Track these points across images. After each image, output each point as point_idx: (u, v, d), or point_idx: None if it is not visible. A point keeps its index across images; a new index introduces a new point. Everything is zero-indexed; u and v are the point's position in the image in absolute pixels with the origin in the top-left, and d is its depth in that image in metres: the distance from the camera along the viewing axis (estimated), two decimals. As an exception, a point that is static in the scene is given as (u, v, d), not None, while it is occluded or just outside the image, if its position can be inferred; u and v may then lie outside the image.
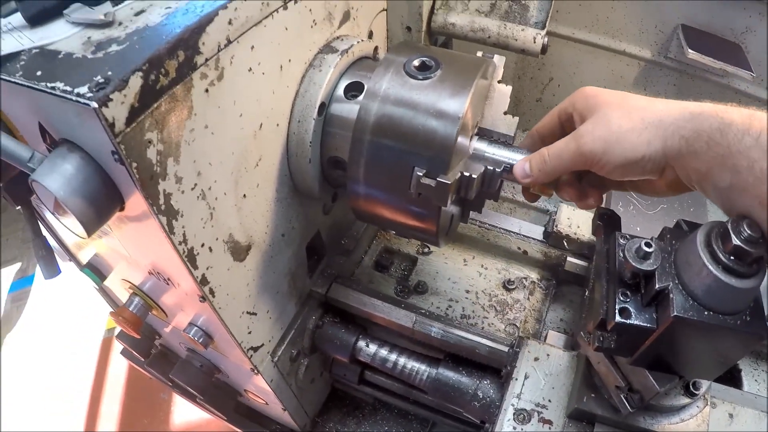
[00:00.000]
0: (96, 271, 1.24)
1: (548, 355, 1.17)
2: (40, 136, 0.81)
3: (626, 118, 0.81)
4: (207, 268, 0.94)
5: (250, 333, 1.15)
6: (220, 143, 0.89)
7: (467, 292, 1.46)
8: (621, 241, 0.87)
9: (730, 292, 0.74)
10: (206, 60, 0.80)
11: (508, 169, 0.97)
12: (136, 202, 0.80)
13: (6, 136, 0.81)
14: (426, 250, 1.56)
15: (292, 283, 1.26)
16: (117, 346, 2.39)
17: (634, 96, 0.85)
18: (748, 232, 0.71)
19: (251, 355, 1.18)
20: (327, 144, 1.06)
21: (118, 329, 1.44)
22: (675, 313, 0.76)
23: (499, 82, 1.08)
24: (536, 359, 1.16)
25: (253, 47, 0.88)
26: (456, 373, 1.31)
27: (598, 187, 0.98)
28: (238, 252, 1.03)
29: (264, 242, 1.10)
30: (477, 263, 1.54)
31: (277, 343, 1.29)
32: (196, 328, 1.13)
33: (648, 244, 0.81)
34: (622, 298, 0.84)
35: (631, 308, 0.82)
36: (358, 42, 1.09)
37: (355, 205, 1.05)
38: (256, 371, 1.23)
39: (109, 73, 0.69)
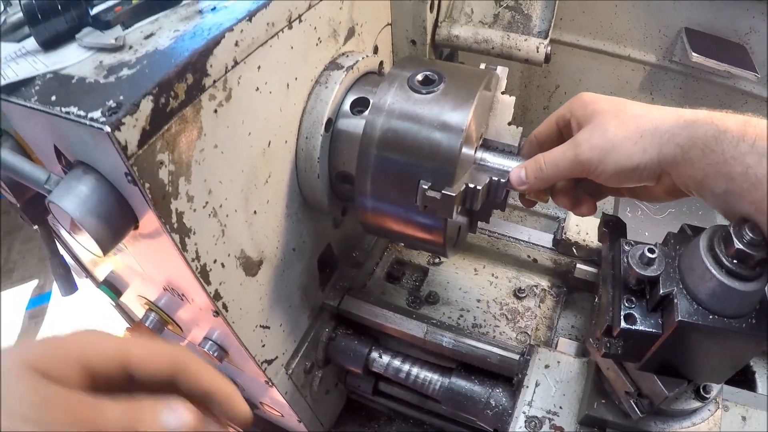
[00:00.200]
0: (112, 287, 1.27)
1: (559, 362, 1.18)
2: (55, 158, 0.83)
3: (622, 127, 0.82)
4: (220, 284, 0.96)
5: (263, 346, 1.17)
6: (230, 162, 0.91)
7: (478, 301, 1.47)
8: (625, 247, 0.87)
9: (735, 295, 0.74)
10: (214, 81, 0.82)
11: None
12: (149, 220, 0.82)
13: (23, 158, 0.84)
14: (437, 260, 1.57)
15: (304, 296, 1.28)
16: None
17: (631, 103, 0.86)
18: (751, 235, 0.71)
19: (265, 368, 1.20)
20: (335, 159, 1.08)
21: (135, 345, 1.46)
22: (679, 318, 0.76)
23: (502, 93, 1.10)
24: (547, 366, 1.17)
25: (259, 67, 0.91)
26: (468, 381, 1.32)
27: (594, 194, 0.98)
28: (250, 267, 1.05)
29: (275, 257, 1.12)
30: (487, 272, 1.55)
31: (291, 355, 1.31)
32: (210, 342, 1.15)
33: (651, 250, 0.81)
34: (627, 304, 0.84)
35: (636, 314, 0.83)
36: (363, 58, 1.11)
37: (364, 219, 1.07)
38: (270, 384, 1.24)
39: (121, 97, 0.71)
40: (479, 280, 1.52)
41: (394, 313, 1.35)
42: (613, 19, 1.88)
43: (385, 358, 1.40)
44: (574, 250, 1.47)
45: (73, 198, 0.78)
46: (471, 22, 1.46)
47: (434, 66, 1.04)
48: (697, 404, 1.00)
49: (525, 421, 1.09)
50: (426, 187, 0.92)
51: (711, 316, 0.76)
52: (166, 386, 0.50)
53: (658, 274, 0.81)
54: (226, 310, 1.00)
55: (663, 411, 1.01)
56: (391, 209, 1.03)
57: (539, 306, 1.47)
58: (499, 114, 1.07)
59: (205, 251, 0.91)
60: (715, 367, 0.89)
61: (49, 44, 0.87)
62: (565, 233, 1.47)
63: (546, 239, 1.54)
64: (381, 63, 1.19)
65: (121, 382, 0.48)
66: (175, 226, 0.83)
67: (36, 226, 1.10)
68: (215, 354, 1.14)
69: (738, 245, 0.71)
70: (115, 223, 0.82)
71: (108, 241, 0.83)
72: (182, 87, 0.77)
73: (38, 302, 3.08)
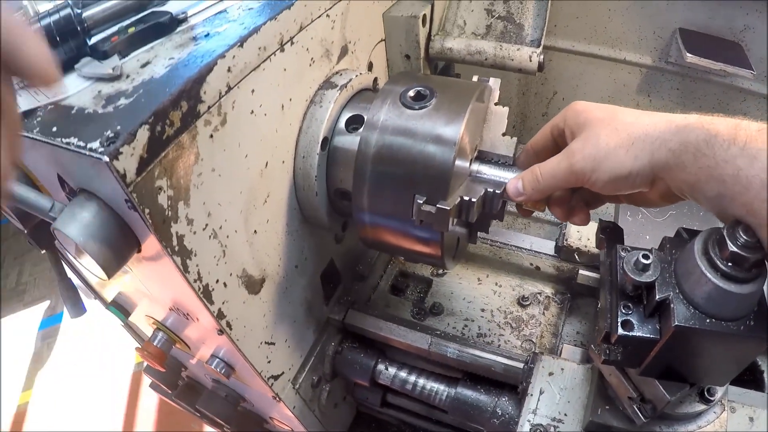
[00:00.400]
0: (121, 308, 1.29)
1: (563, 369, 1.18)
2: (59, 185, 0.86)
3: (614, 135, 0.83)
4: (223, 303, 0.98)
5: (269, 362, 1.18)
6: (228, 184, 0.93)
7: (482, 310, 1.48)
8: (622, 253, 0.87)
9: (731, 298, 0.74)
10: (209, 107, 0.84)
11: None
12: (151, 244, 0.84)
13: (27, 188, 0.87)
14: (440, 271, 1.58)
15: (308, 311, 1.30)
16: (147, 380, 2.45)
17: (623, 110, 0.87)
18: (745, 237, 0.71)
19: (272, 384, 1.21)
20: (332, 176, 1.10)
21: (145, 363, 1.49)
22: (676, 323, 0.76)
23: (496, 104, 1.11)
24: (551, 374, 1.17)
25: (253, 91, 0.93)
26: (474, 391, 1.32)
27: (591, 202, 1.00)
28: (253, 285, 1.06)
29: (277, 274, 1.14)
30: (491, 281, 1.55)
31: (298, 370, 1.32)
32: (217, 359, 1.16)
33: (645, 256, 0.82)
34: (624, 311, 0.84)
35: (633, 320, 0.83)
36: (356, 75, 1.13)
37: (363, 234, 1.09)
38: (278, 399, 1.26)
39: (119, 127, 0.73)
40: (483, 289, 1.53)
41: (398, 326, 1.36)
42: (607, 23, 1.89)
43: (392, 370, 1.41)
44: (576, 257, 1.48)
45: (76, 225, 0.81)
46: (464, 34, 1.48)
47: (426, 81, 1.05)
48: (702, 407, 1.00)
49: (530, 429, 1.09)
50: (421, 201, 0.93)
51: (708, 320, 0.76)
52: None
53: (653, 280, 0.81)
54: (230, 329, 1.02)
55: (667, 415, 1.01)
56: (389, 224, 1.04)
57: (543, 313, 1.47)
58: (493, 125, 1.09)
59: (207, 272, 0.92)
60: (717, 370, 0.89)
61: (50, 75, 0.90)
62: (566, 240, 1.48)
63: (548, 246, 1.54)
64: (375, 80, 1.21)
65: None
66: (176, 248, 0.85)
67: (44, 251, 1.13)
68: (222, 371, 1.16)
69: (732, 248, 0.71)
70: (118, 247, 0.84)
71: (112, 265, 0.85)
72: (177, 114, 0.79)
73: (50, 323, 3.13)
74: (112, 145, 0.71)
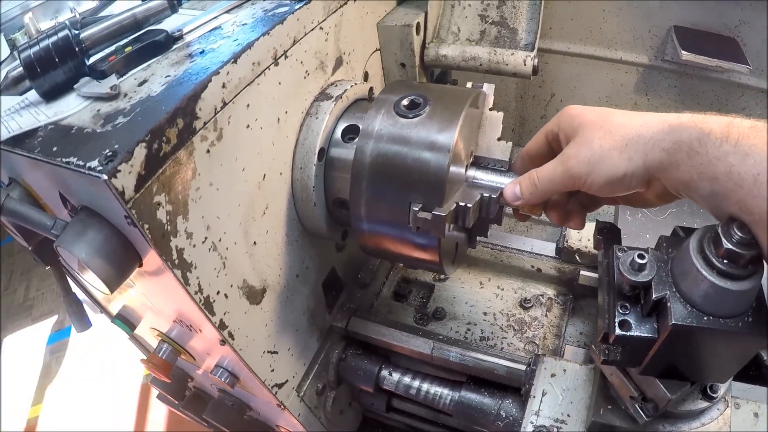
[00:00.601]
0: (126, 321, 1.30)
1: (565, 370, 1.18)
2: (62, 203, 0.87)
3: (607, 138, 0.83)
4: (224, 314, 1.00)
5: (273, 371, 1.19)
6: (226, 197, 0.94)
7: (485, 314, 1.49)
8: (618, 253, 0.86)
9: (728, 295, 0.74)
10: (204, 123, 0.86)
11: None
12: (152, 258, 0.85)
13: (29, 206, 0.89)
14: (442, 276, 1.59)
15: (311, 320, 1.31)
16: (155, 391, 2.46)
17: (616, 112, 0.87)
18: (739, 234, 0.71)
19: (276, 392, 1.22)
20: (330, 186, 1.11)
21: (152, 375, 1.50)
22: (673, 322, 0.76)
23: (491, 109, 1.12)
24: (553, 375, 1.18)
25: (248, 105, 0.94)
26: (478, 394, 1.33)
27: (589, 205, 1.00)
28: (254, 296, 1.07)
29: (279, 284, 1.15)
30: (493, 285, 1.56)
31: (302, 378, 1.34)
32: (221, 369, 1.18)
33: (641, 256, 0.82)
34: (621, 311, 0.84)
35: (631, 320, 0.83)
36: (351, 86, 1.15)
37: (362, 243, 1.10)
38: (282, 407, 1.27)
39: (116, 146, 0.75)
40: (485, 293, 1.54)
41: (400, 332, 1.37)
42: (601, 23, 1.89)
43: (396, 376, 1.42)
44: (577, 258, 1.48)
45: (78, 241, 0.83)
46: (458, 41, 1.49)
47: (420, 89, 1.06)
48: (705, 404, 1.00)
49: (533, 431, 1.10)
50: (417, 208, 0.94)
51: (706, 318, 0.76)
52: None
53: (650, 280, 0.81)
54: (233, 339, 1.03)
55: (670, 413, 1.01)
56: (386, 232, 1.05)
57: (546, 315, 1.48)
58: (488, 130, 1.09)
59: (208, 284, 0.94)
60: (717, 367, 0.89)
61: (50, 95, 0.92)
62: (567, 241, 1.48)
63: (549, 248, 1.55)
64: (371, 89, 1.22)
65: None
66: (176, 262, 0.86)
67: (48, 267, 1.14)
68: (227, 381, 1.17)
69: (727, 245, 0.71)
70: (120, 262, 0.86)
71: (114, 280, 0.87)
72: (174, 132, 0.80)
73: (58, 337, 3.14)
74: (110, 163, 0.73)
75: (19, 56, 0.90)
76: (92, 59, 0.97)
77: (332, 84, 1.16)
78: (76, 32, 0.95)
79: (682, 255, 0.80)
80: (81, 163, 0.74)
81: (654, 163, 0.79)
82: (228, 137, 0.91)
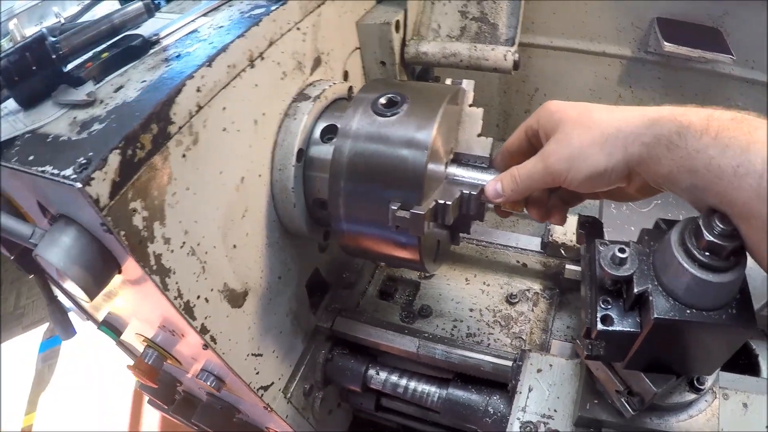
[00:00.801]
0: (112, 327, 1.29)
1: (551, 365, 1.18)
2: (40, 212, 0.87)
3: (587, 133, 0.83)
4: (206, 318, 0.99)
5: (258, 373, 1.19)
6: (204, 201, 0.94)
7: (471, 310, 1.49)
8: (600, 247, 0.85)
9: (710, 288, 0.73)
10: (179, 128, 0.85)
11: None
12: (130, 265, 0.85)
13: (8, 216, 0.88)
14: (428, 274, 1.59)
15: (295, 321, 1.31)
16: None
17: (596, 107, 0.86)
18: (721, 226, 0.70)
19: (262, 395, 1.22)
20: (310, 187, 1.11)
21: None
22: (655, 316, 0.76)
23: (470, 105, 1.12)
24: (539, 371, 1.18)
25: (224, 108, 0.94)
26: (466, 391, 1.33)
27: (570, 200, 1.00)
28: (235, 299, 1.07)
29: (261, 287, 1.14)
30: (479, 281, 1.56)
31: (288, 379, 1.33)
32: (207, 373, 1.17)
33: (622, 250, 0.81)
34: (603, 306, 0.84)
35: (613, 315, 0.83)
36: (330, 86, 1.14)
37: (342, 243, 1.09)
38: (269, 409, 1.26)
39: (90, 153, 0.75)
40: (471, 289, 1.54)
41: (386, 330, 1.37)
42: (584, 17, 1.89)
43: (383, 375, 1.41)
44: (563, 252, 1.48)
45: (56, 250, 0.83)
46: (439, 38, 1.49)
47: (398, 87, 1.06)
48: (692, 396, 1.00)
49: (520, 427, 1.10)
50: (395, 207, 0.94)
51: (689, 311, 0.75)
52: None
53: (631, 273, 0.80)
54: (215, 343, 1.03)
55: (658, 406, 1.01)
56: (366, 231, 1.05)
57: (532, 310, 1.48)
58: (468, 127, 1.09)
59: (187, 288, 0.93)
60: (703, 360, 0.89)
61: (28, 103, 0.92)
62: (552, 236, 1.48)
63: (534, 243, 1.55)
64: (350, 88, 1.21)
65: None
66: (155, 267, 0.86)
67: (31, 276, 1.14)
68: (212, 384, 1.17)
69: (708, 237, 0.71)
70: (99, 270, 0.85)
71: (93, 288, 0.86)
72: (148, 137, 0.80)
73: (50, 345, 3.13)
74: (84, 171, 0.72)
75: (-2, 64, 0.90)
76: (70, 66, 0.96)
77: (310, 84, 1.16)
78: (54, 39, 0.94)
79: (663, 248, 0.79)
80: (56, 171, 0.74)
81: (634, 157, 0.79)
82: (204, 141, 0.90)
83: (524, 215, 2.08)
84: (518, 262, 1.54)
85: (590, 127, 0.83)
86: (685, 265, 0.74)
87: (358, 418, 1.76)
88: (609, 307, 0.84)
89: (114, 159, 0.75)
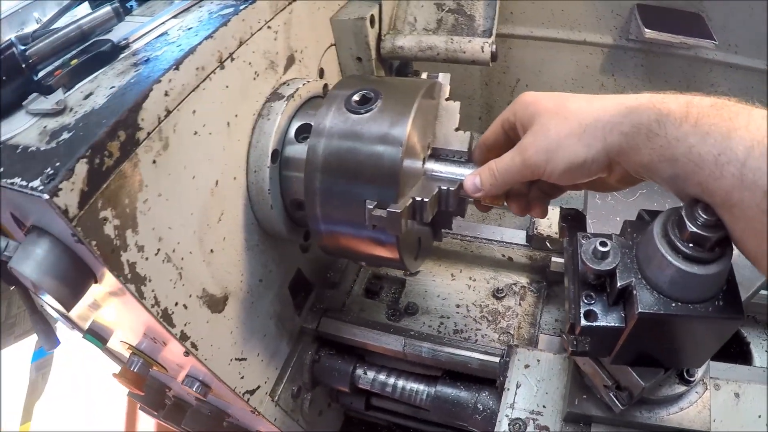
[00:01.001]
0: (97, 336, 1.28)
1: (539, 360, 1.17)
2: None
3: (564, 125, 0.81)
4: (185, 325, 0.98)
5: (243, 378, 1.18)
6: (177, 207, 0.92)
7: (458, 306, 1.48)
8: (581, 241, 0.84)
9: (695, 280, 0.71)
10: (148, 134, 0.83)
11: None
12: (105, 274, 0.83)
13: (-21, 229, 0.87)
14: (410, 272, 1.57)
15: (279, 323, 1.29)
16: (141, 401, 2.43)
17: (573, 97, 0.85)
18: (704, 217, 0.68)
19: (248, 399, 1.21)
20: (287, 188, 1.09)
21: (128, 388, 1.48)
22: (640, 310, 0.74)
23: (447, 99, 1.10)
24: (527, 366, 1.16)
25: (194, 111, 0.92)
26: (454, 388, 1.32)
27: (551, 192, 0.99)
28: (215, 304, 1.06)
29: (241, 290, 1.13)
30: (465, 276, 1.55)
31: (275, 382, 1.32)
32: (192, 379, 1.16)
33: (603, 243, 0.79)
34: (586, 301, 0.83)
35: (597, 310, 0.82)
36: (304, 84, 1.12)
37: (320, 243, 1.08)
38: (256, 413, 1.25)
39: (57, 163, 0.73)
40: (457, 285, 1.53)
41: (371, 330, 1.36)
42: (563, 5, 1.88)
43: (370, 374, 1.40)
44: (548, 244, 1.48)
45: (30, 262, 0.81)
46: (415, 31, 1.47)
47: (372, 83, 1.05)
48: (682, 388, 0.99)
49: (509, 425, 1.09)
50: (372, 206, 0.92)
51: (674, 304, 0.74)
52: None
53: (613, 267, 0.79)
54: (196, 349, 1.01)
55: (648, 399, 1.00)
56: (344, 231, 1.04)
57: (520, 304, 1.47)
58: (445, 121, 1.08)
59: (164, 296, 0.92)
60: (691, 353, 0.88)
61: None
62: (536, 228, 1.48)
63: (519, 236, 1.54)
64: (325, 86, 1.20)
65: None
66: (129, 276, 0.84)
67: (13, 287, 1.12)
68: (198, 390, 1.16)
69: (692, 228, 0.69)
70: (73, 281, 0.84)
71: (68, 299, 0.85)
72: (116, 145, 0.78)
73: (43, 353, 3.11)
74: (51, 182, 0.71)
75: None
76: (41, 73, 0.95)
77: (284, 83, 1.14)
78: (23, 48, 0.92)
79: (646, 240, 0.77)
80: (24, 183, 0.72)
81: (613, 147, 0.77)
82: (175, 146, 0.89)
83: (509, 209, 2.10)
84: (504, 256, 1.53)
85: (567, 118, 0.82)
86: (669, 257, 0.72)
87: (350, 418, 1.75)
88: (593, 302, 0.83)
89: (81, 168, 0.73)
